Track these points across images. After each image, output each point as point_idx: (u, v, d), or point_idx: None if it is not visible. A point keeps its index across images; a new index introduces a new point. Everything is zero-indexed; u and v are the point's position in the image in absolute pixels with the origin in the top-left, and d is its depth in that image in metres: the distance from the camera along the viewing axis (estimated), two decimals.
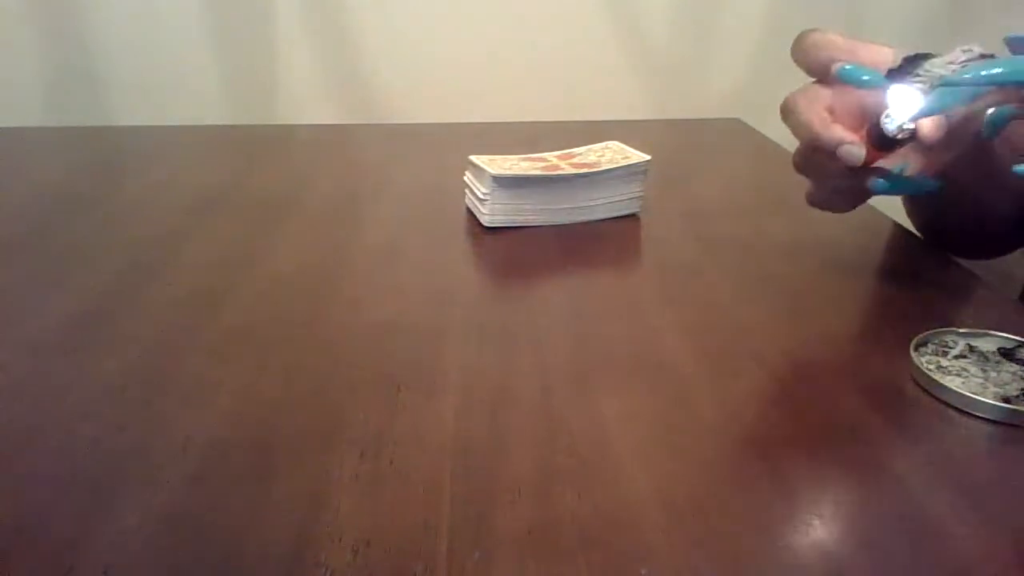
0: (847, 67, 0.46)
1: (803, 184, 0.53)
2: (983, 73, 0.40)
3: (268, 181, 0.78)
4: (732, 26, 1.22)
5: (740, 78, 1.28)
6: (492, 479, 0.34)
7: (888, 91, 0.45)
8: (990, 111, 0.44)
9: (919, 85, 0.44)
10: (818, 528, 0.32)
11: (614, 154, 0.68)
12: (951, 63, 0.43)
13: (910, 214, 0.67)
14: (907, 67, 0.45)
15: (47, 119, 1.19)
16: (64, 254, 0.59)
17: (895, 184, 0.47)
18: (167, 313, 0.50)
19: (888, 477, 0.35)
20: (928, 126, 0.44)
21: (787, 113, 0.49)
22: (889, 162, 0.48)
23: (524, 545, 0.31)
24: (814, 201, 0.52)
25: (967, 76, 0.41)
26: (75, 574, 0.29)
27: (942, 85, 0.42)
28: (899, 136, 0.45)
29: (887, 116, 0.45)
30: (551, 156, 0.69)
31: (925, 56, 0.45)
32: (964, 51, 0.43)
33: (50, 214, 0.68)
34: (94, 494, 0.33)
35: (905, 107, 0.44)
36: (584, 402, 0.40)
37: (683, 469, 0.36)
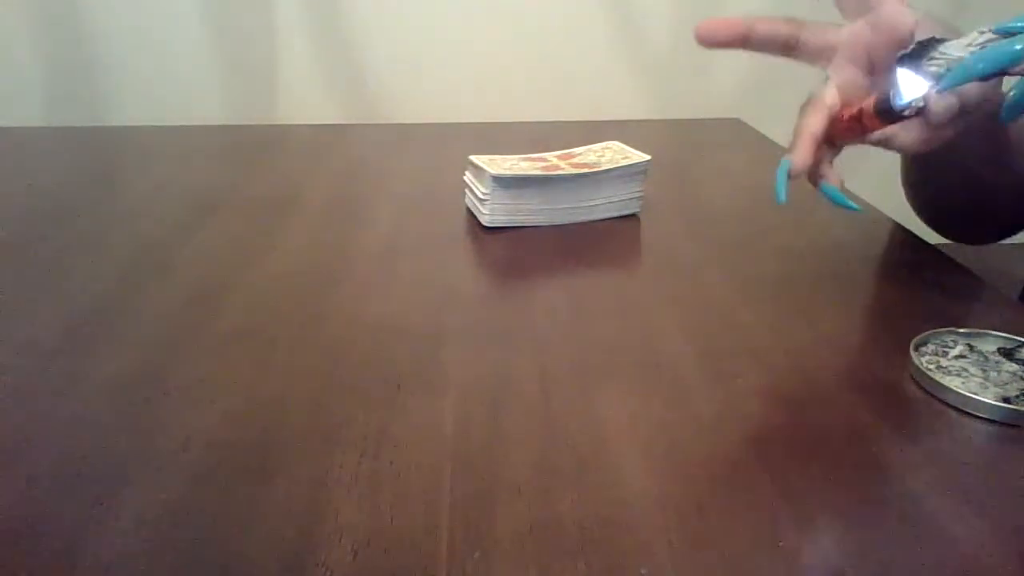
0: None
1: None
2: (1018, 48, 0.39)
3: (268, 181, 0.78)
4: None
5: (740, 78, 1.28)
6: (492, 479, 0.34)
7: (898, 68, 0.45)
8: (1011, 92, 0.43)
9: (935, 68, 0.43)
10: (818, 528, 0.32)
11: (614, 154, 0.68)
12: (969, 45, 0.42)
13: (910, 194, 0.66)
14: (921, 51, 0.44)
15: (47, 119, 1.19)
16: (64, 254, 0.59)
17: (834, 195, 0.51)
18: (167, 313, 0.50)
19: (888, 477, 0.35)
20: (938, 106, 0.44)
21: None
22: (891, 132, 0.49)
23: (524, 545, 0.31)
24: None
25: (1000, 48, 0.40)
26: (75, 574, 0.29)
27: (986, 38, 0.41)
28: (906, 113, 0.45)
29: (895, 91, 0.44)
30: (551, 156, 0.69)
31: (940, 40, 0.44)
32: (980, 32, 0.42)
33: (50, 214, 0.68)
34: (94, 494, 0.33)
35: (914, 85, 0.44)
36: (584, 402, 0.40)
37: (683, 469, 0.36)
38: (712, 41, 0.50)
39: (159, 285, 0.54)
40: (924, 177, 0.63)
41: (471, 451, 0.36)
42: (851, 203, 0.51)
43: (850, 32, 0.50)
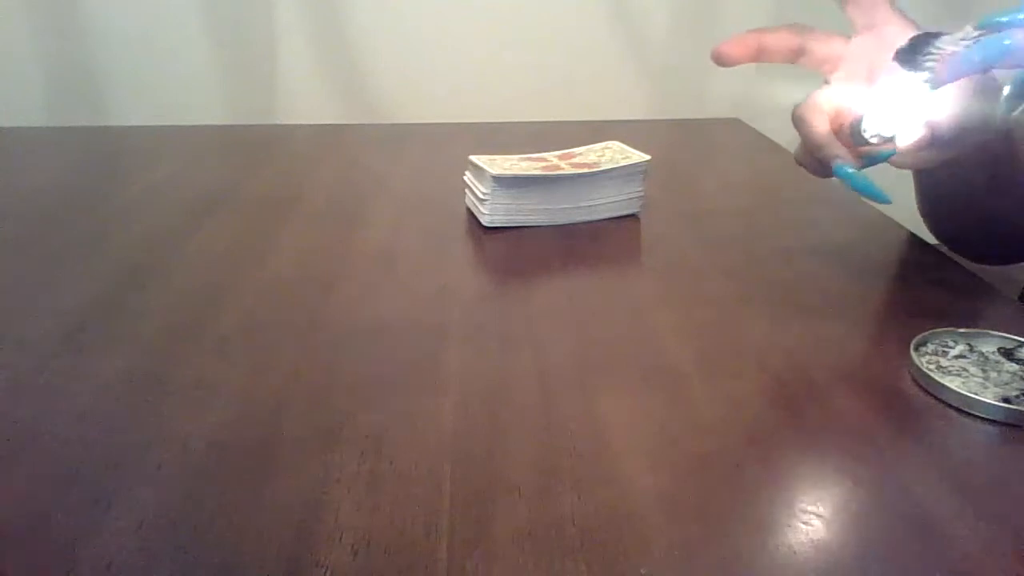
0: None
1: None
2: (1007, 43, 0.39)
3: (268, 181, 0.78)
4: (732, 26, 1.22)
5: (740, 78, 1.28)
6: (492, 479, 0.34)
7: (874, 93, 0.46)
8: (1004, 92, 0.44)
9: (930, 64, 0.43)
10: (818, 528, 0.32)
11: (614, 154, 0.68)
12: (963, 39, 0.42)
13: (926, 218, 0.66)
14: (916, 47, 0.44)
15: (48, 119, 1.19)
16: (64, 254, 0.59)
17: (852, 178, 0.48)
18: (167, 313, 0.50)
19: (888, 477, 0.35)
20: (904, 139, 0.45)
21: (797, 123, 0.51)
22: (868, 150, 0.49)
23: (524, 545, 0.31)
24: (800, 162, 0.53)
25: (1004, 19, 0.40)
26: (75, 574, 0.29)
27: (981, 27, 0.41)
28: (873, 141, 0.46)
29: (866, 118, 0.46)
30: (551, 156, 0.69)
31: (934, 35, 0.44)
32: (976, 27, 0.42)
33: (50, 214, 0.68)
34: (94, 494, 0.33)
35: (882, 115, 0.45)
36: (584, 402, 0.40)
37: (683, 469, 0.36)
38: (729, 62, 0.52)
39: (159, 285, 0.54)
40: (936, 209, 0.64)
41: (471, 451, 0.36)
42: (878, 190, 0.48)
43: (855, 44, 0.51)
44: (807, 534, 0.32)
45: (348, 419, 0.39)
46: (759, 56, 0.52)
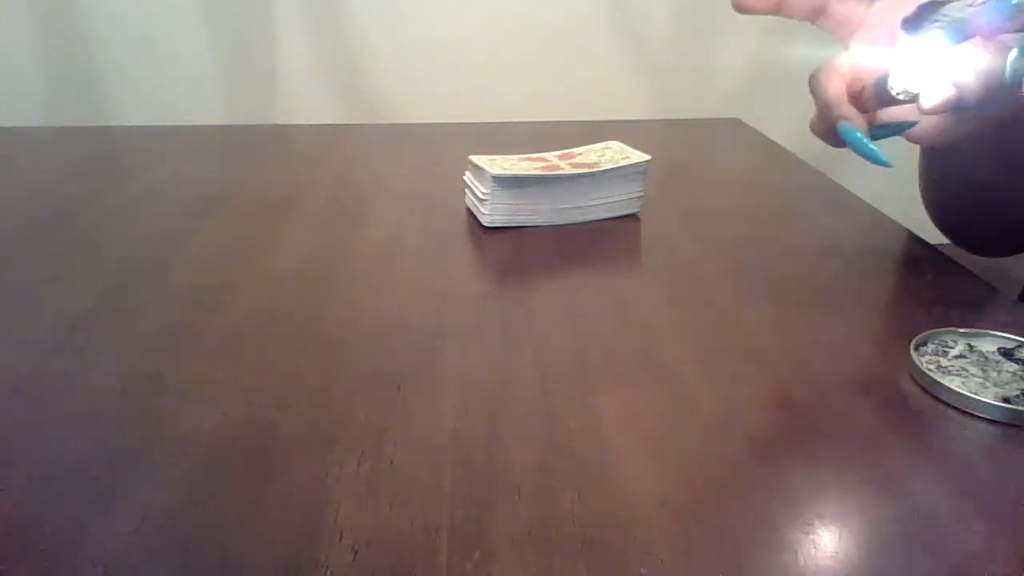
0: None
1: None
2: (1014, 2, 0.39)
3: (268, 181, 0.78)
4: (732, 26, 1.22)
5: (740, 78, 1.28)
6: (492, 479, 0.34)
7: (900, 51, 0.44)
8: (1011, 55, 0.43)
9: (937, 31, 0.43)
10: (817, 528, 0.32)
11: (614, 154, 0.68)
12: (969, 5, 0.42)
13: (932, 209, 0.65)
14: (923, 14, 0.44)
15: (47, 119, 1.19)
16: (64, 254, 0.59)
17: (853, 138, 0.47)
18: (167, 313, 0.50)
19: (888, 477, 0.35)
20: (930, 97, 0.44)
21: (812, 86, 0.51)
22: (899, 116, 0.48)
23: (524, 545, 0.31)
24: (814, 130, 0.52)
25: None
26: (75, 574, 0.29)
27: None
28: (901, 97, 0.45)
29: (893, 75, 0.44)
30: (551, 156, 0.69)
31: (941, 3, 0.44)
32: None
33: (50, 214, 0.68)
34: (94, 494, 0.33)
35: (912, 70, 0.44)
36: (584, 402, 0.40)
37: (683, 469, 0.36)
38: (748, 10, 0.51)
39: (159, 285, 0.54)
40: (942, 195, 0.63)
41: (471, 451, 0.36)
42: (878, 152, 0.46)
43: (878, 7, 0.50)
44: (806, 534, 0.32)
45: (348, 419, 0.39)
46: (779, 8, 0.51)
